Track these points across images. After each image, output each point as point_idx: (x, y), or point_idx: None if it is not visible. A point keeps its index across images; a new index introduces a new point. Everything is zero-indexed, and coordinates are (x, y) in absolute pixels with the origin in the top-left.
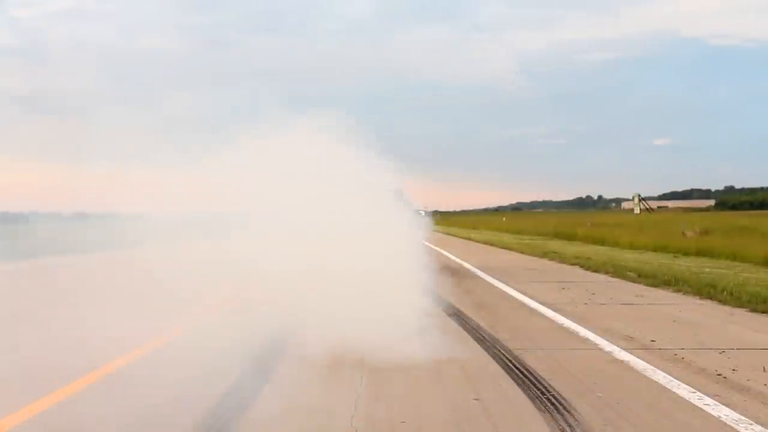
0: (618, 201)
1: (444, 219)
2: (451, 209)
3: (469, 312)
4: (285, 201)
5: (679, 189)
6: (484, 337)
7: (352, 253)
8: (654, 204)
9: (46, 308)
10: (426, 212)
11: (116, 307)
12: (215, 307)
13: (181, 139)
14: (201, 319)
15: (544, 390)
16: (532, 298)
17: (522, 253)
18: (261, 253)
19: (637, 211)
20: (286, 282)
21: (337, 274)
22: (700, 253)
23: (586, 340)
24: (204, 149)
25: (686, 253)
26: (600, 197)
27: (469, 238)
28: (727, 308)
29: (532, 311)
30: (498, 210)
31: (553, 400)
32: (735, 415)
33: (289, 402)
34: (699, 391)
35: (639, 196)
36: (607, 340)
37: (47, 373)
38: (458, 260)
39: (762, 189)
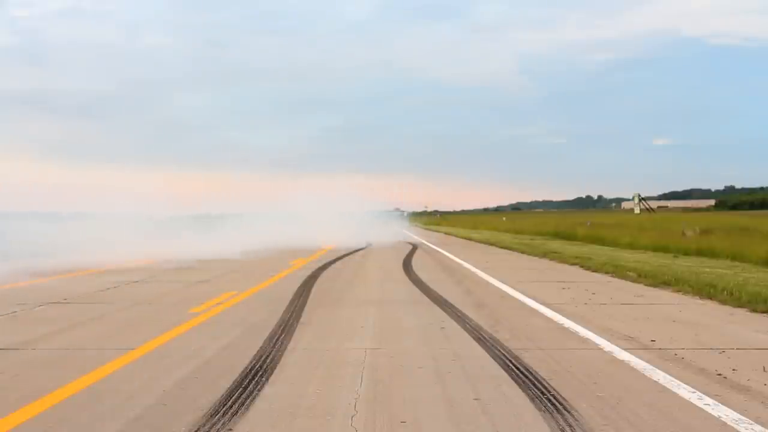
0: (618, 201)
1: (443, 219)
2: (451, 209)
3: (472, 314)
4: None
5: (679, 189)
6: (483, 337)
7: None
8: (654, 204)
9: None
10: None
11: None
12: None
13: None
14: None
15: (544, 390)
16: (532, 297)
17: (522, 253)
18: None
19: (637, 210)
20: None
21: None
22: (700, 253)
23: (586, 340)
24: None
25: (686, 253)
26: (600, 197)
27: (469, 238)
28: (727, 308)
29: (533, 311)
30: (498, 210)
31: (553, 399)
32: (735, 415)
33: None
34: (699, 391)
35: (639, 195)
36: (607, 340)
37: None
38: (459, 260)
39: (762, 189)
